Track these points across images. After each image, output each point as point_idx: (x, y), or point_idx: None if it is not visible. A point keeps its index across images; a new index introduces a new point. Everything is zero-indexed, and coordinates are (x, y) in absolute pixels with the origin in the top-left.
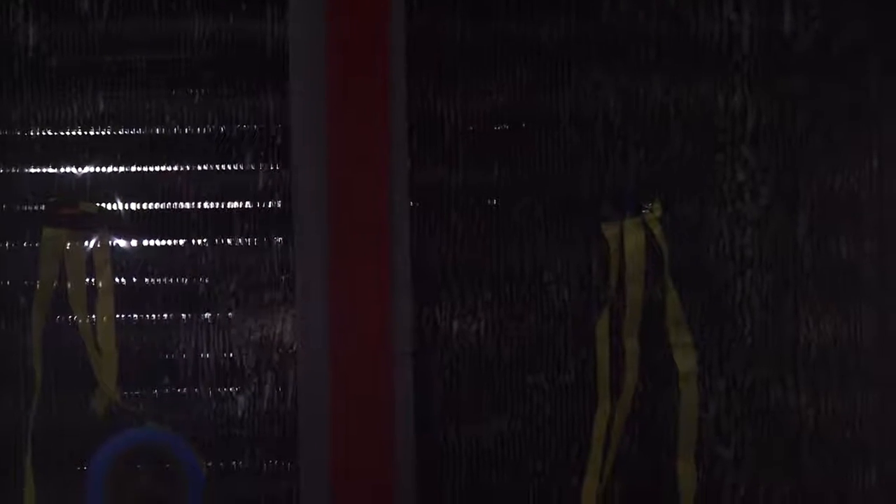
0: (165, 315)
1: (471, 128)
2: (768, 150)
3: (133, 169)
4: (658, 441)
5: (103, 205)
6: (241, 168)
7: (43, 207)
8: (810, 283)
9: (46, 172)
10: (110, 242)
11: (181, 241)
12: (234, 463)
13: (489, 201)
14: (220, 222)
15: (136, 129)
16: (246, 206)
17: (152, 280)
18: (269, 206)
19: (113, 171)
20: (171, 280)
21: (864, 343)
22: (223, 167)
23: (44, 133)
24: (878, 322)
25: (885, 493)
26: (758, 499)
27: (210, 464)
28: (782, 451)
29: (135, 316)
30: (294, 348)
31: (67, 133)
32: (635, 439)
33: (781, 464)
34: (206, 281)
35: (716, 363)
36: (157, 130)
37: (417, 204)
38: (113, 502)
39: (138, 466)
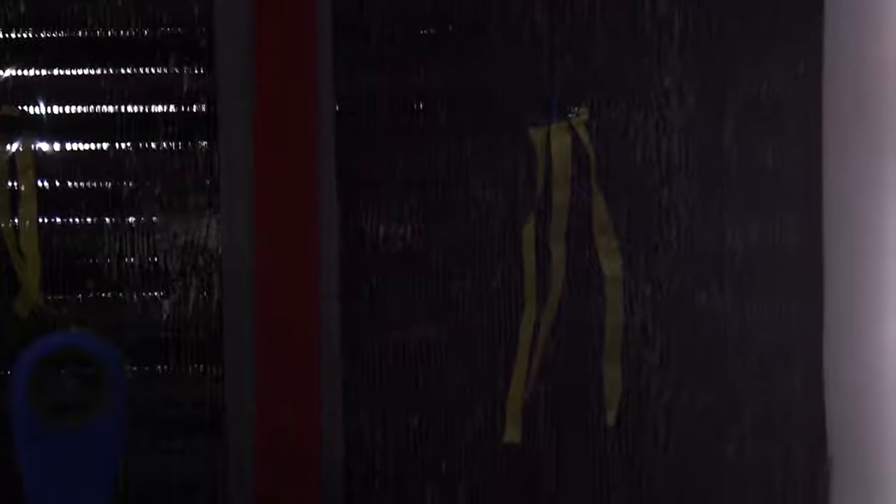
0: (89, 219)
1: (397, 32)
2: (695, 57)
3: (55, 72)
4: (584, 346)
5: (25, 108)
6: (166, 71)
7: None
8: (736, 188)
9: None
10: (32, 146)
11: (104, 145)
12: (159, 367)
13: (415, 106)
14: (145, 126)
15: (59, 32)
16: (170, 110)
17: (76, 184)
18: (194, 109)
19: (35, 74)
20: (95, 184)
21: (788, 248)
22: (147, 70)
23: None
24: (802, 227)
25: (809, 398)
26: (682, 403)
27: (135, 368)
28: (707, 356)
29: (58, 220)
30: (219, 253)
31: None
32: (561, 344)
33: (706, 369)
34: (131, 185)
35: (642, 268)
36: (80, 33)
37: (343, 109)
38: (36, 406)
39: (62, 370)
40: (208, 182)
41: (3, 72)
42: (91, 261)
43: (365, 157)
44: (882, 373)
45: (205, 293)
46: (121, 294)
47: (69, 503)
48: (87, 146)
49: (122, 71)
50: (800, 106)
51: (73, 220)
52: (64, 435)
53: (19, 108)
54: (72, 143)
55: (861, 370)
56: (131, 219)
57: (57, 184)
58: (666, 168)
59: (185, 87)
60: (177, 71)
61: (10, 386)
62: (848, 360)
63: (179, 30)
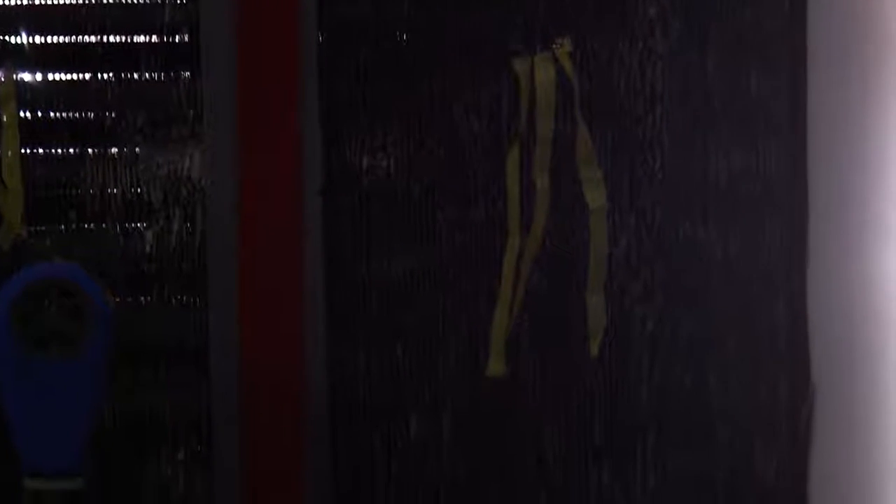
0: (72, 150)
1: None
2: None
3: (37, 1)
4: (568, 276)
5: (6, 38)
6: (147, 1)
7: None
8: (720, 118)
9: None
10: (15, 76)
11: (87, 75)
12: (142, 298)
13: (399, 35)
14: (127, 56)
15: None
16: (153, 40)
17: (58, 114)
18: (177, 39)
19: (17, 4)
20: (78, 114)
21: (772, 178)
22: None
23: None
24: (787, 157)
25: (793, 327)
26: (666, 334)
27: (118, 299)
28: (691, 286)
29: (40, 151)
30: (202, 184)
31: None
32: (545, 274)
33: (691, 299)
34: (113, 115)
35: (626, 199)
36: None
37: (326, 38)
38: (19, 337)
39: (45, 302)
40: (192, 112)
41: None
42: (74, 192)
43: (348, 88)
44: (865, 302)
45: (188, 224)
46: (104, 225)
47: (53, 435)
48: (69, 76)
49: (104, 1)
50: (785, 35)
51: (56, 151)
52: (47, 367)
53: (1, 38)
54: (54, 73)
55: (844, 299)
56: (114, 150)
57: (39, 114)
58: (650, 98)
59: (167, 17)
60: (159, 0)
61: None
62: (831, 290)
63: None
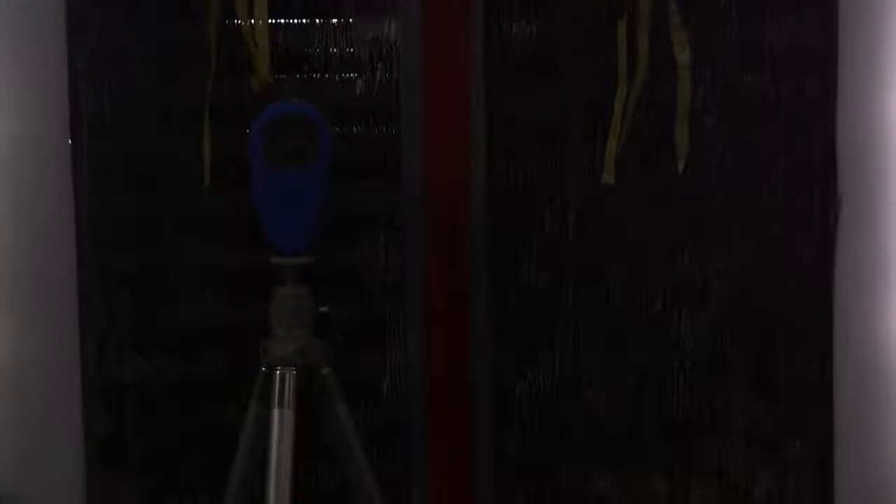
0: (304, 20)
1: None
2: None
3: None
4: (662, 113)
5: None
6: None
7: None
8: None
9: None
10: None
11: None
12: (353, 128)
13: None
14: None
15: None
16: None
17: None
18: None
19: None
20: None
21: (811, 46)
22: None
23: None
24: (823, 26)
25: (824, 151)
26: (732, 155)
27: (337, 129)
28: (750, 119)
29: (282, 21)
30: (398, 44)
31: None
32: (645, 112)
33: (751, 128)
34: None
35: (704, 56)
36: None
37: None
38: (268, 154)
39: (286, 128)
40: None
41: None
42: (305, 51)
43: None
44: (887, 127)
45: (387, 74)
46: (326, 75)
47: (292, 225)
48: None
49: None
50: None
51: (293, 21)
52: (288, 175)
53: None
54: None
55: (868, 131)
56: (334, 20)
57: None
58: None
59: None
60: None
61: (250, 140)
62: (858, 124)
63: None
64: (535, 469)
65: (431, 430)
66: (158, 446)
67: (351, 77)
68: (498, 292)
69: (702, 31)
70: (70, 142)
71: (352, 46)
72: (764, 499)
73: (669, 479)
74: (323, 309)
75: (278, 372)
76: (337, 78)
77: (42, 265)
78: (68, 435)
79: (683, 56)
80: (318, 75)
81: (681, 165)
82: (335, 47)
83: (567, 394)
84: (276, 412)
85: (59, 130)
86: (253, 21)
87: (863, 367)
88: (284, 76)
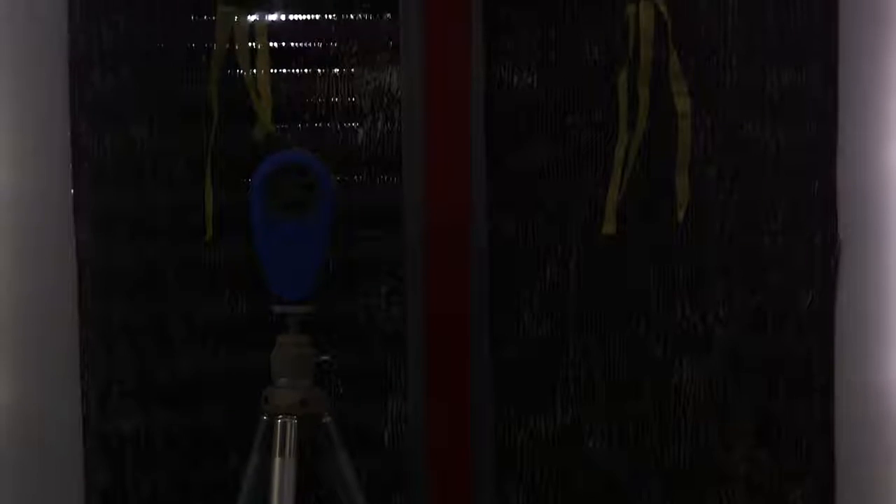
0: (306, 70)
1: None
2: None
3: None
4: (662, 163)
5: None
6: None
7: None
8: (773, 47)
9: None
10: (266, 16)
11: (316, 16)
12: (355, 177)
13: None
14: (345, 2)
15: None
16: None
17: (296, 44)
18: None
19: None
20: (310, 44)
21: (811, 93)
22: None
23: None
24: (822, 73)
25: (825, 200)
26: (733, 204)
27: (338, 178)
28: (751, 169)
29: (284, 70)
30: (399, 95)
31: None
32: (645, 161)
33: (751, 179)
34: (335, 45)
35: (704, 105)
36: None
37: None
38: (269, 204)
39: (287, 178)
40: (391, 43)
41: None
42: (307, 100)
43: (505, 25)
44: (887, 175)
45: (388, 124)
46: (328, 124)
47: (292, 275)
48: (304, 17)
49: None
50: None
51: (295, 71)
52: (289, 225)
53: None
54: (293, 14)
55: (868, 179)
56: (336, 70)
57: (283, 44)
58: (723, 33)
59: None
60: None
61: (251, 190)
62: (857, 172)
63: None
64: None
65: (432, 480)
66: (159, 496)
67: (353, 126)
68: (498, 341)
69: (702, 80)
70: (72, 192)
71: (353, 96)
72: None
73: None
74: (324, 358)
75: (279, 421)
76: (339, 127)
77: (43, 315)
78: (69, 485)
79: (684, 105)
80: (320, 124)
81: (681, 215)
82: (337, 97)
83: (568, 443)
84: (277, 461)
85: (60, 181)
86: (255, 71)
87: (864, 414)
88: (287, 125)
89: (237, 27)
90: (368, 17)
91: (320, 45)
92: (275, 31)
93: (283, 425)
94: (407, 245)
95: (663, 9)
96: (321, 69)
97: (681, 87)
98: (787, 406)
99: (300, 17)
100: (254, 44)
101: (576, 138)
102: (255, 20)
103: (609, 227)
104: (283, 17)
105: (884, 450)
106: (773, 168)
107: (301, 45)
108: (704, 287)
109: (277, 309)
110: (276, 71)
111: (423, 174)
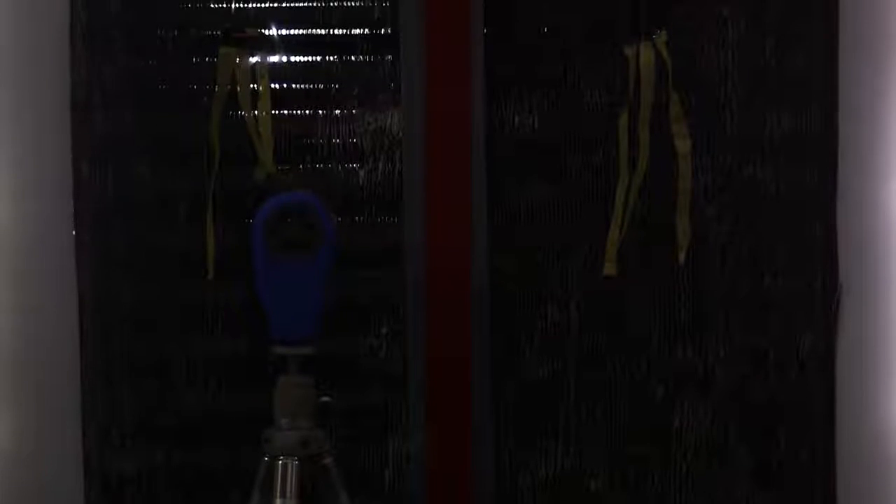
0: (307, 111)
1: None
2: None
3: (283, 5)
4: (663, 204)
5: (262, 31)
6: (360, 3)
7: (220, 32)
8: (773, 90)
9: (222, 7)
10: (267, 58)
11: (318, 58)
12: (356, 217)
13: (543, 29)
14: (347, 44)
15: None
16: (365, 32)
17: (298, 86)
18: (382, 32)
19: (269, 7)
20: (311, 86)
21: (811, 137)
22: (349, 4)
23: None
24: (822, 117)
25: (826, 242)
26: (734, 247)
27: (339, 218)
28: (751, 211)
29: (285, 112)
30: (399, 136)
31: None
32: (646, 203)
33: (751, 220)
34: (337, 87)
35: (704, 147)
36: None
37: (490, 32)
38: (270, 245)
39: (288, 219)
40: (392, 84)
41: (248, 4)
42: (308, 141)
43: (507, 66)
44: (887, 217)
45: (389, 165)
46: (329, 165)
47: (293, 315)
48: (305, 58)
49: (330, 4)
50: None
51: (296, 112)
52: (290, 266)
53: (258, 31)
54: (294, 56)
55: (868, 221)
56: (337, 111)
57: (284, 85)
58: (723, 75)
59: (376, 15)
60: (369, 3)
61: (252, 230)
62: (858, 214)
63: None
64: None
65: None
66: None
67: (353, 167)
68: (499, 383)
69: (702, 122)
70: (73, 233)
71: (354, 137)
72: None
73: None
74: (325, 399)
75: (280, 462)
76: (340, 168)
77: (44, 355)
78: None
79: (684, 147)
80: (321, 166)
81: (682, 256)
82: (338, 138)
83: (569, 484)
84: (278, 503)
85: (62, 222)
86: (256, 112)
87: (865, 456)
88: (288, 166)
89: (238, 69)
90: (370, 59)
91: (321, 86)
92: (276, 72)
93: (284, 466)
94: (407, 286)
95: (663, 50)
96: (322, 110)
97: (681, 129)
98: (788, 448)
99: (301, 58)
100: (255, 85)
101: (576, 180)
102: (257, 62)
103: (610, 269)
104: (284, 59)
105: (885, 493)
106: (773, 211)
107: (302, 86)
108: (705, 329)
109: (278, 350)
110: (277, 112)
111: (424, 215)
